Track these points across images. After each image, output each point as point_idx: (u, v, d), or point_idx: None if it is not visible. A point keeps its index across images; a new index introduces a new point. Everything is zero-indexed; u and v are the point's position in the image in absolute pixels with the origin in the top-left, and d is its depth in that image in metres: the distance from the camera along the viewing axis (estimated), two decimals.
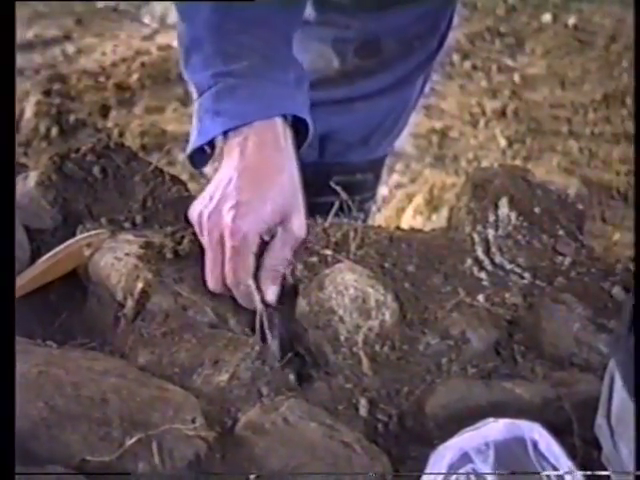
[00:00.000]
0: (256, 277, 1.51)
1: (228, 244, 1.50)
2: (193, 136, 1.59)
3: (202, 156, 1.60)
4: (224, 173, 1.54)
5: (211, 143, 1.58)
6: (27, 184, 1.66)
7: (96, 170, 1.66)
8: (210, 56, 1.57)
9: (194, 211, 1.54)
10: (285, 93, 1.59)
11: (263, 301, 1.50)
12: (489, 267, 1.59)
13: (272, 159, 1.54)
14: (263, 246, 1.53)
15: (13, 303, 1.39)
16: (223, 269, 1.51)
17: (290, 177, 1.54)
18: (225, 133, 1.55)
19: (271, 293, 1.51)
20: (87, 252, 1.54)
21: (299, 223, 1.54)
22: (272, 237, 1.53)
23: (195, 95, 1.59)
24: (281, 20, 1.64)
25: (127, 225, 1.62)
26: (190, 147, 1.59)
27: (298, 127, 1.59)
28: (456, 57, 2.78)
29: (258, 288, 1.51)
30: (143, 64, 2.70)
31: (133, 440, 1.30)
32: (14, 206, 1.39)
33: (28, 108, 2.15)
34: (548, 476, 1.22)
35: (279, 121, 1.55)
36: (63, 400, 1.34)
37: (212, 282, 1.51)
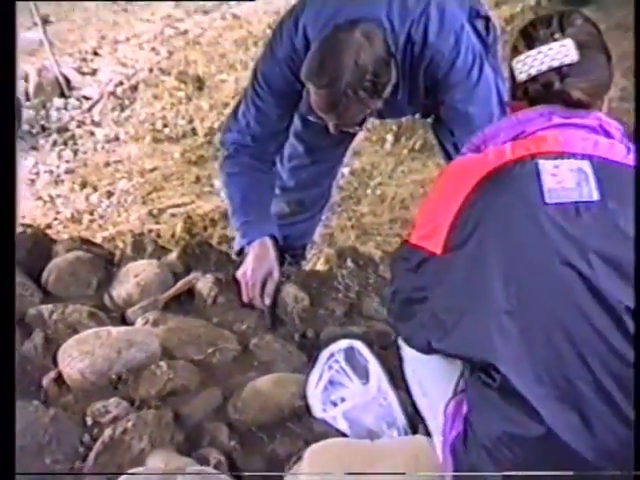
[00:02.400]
0: (262, 296, 1.49)
1: (250, 284, 1.49)
2: (235, 245, 1.60)
3: (239, 254, 1.59)
4: (246, 262, 1.51)
5: (242, 249, 1.56)
6: (172, 257, 1.62)
7: (197, 252, 1.64)
8: (240, 215, 1.56)
9: (238, 275, 1.51)
10: (269, 227, 1.58)
11: (265, 305, 1.48)
12: (343, 284, 1.56)
13: (264, 255, 1.52)
14: (263, 284, 1.50)
15: (13, 308, 1.12)
16: (248, 294, 1.49)
17: (271, 260, 1.52)
18: (248, 243, 1.54)
19: (268, 301, 1.49)
20: (194, 281, 1.51)
21: (276, 275, 1.51)
22: (266, 280, 1.50)
23: (235, 228, 1.59)
24: (268, 201, 1.64)
25: (209, 272, 1.56)
26: (234, 250, 1.60)
27: (276, 239, 1.58)
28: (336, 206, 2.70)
29: (262, 300, 1.48)
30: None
31: (211, 350, 1.31)
32: (15, 212, 0.98)
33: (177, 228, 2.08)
34: None
35: (267, 238, 1.54)
36: (185, 336, 1.33)
37: (245, 299, 1.49)
